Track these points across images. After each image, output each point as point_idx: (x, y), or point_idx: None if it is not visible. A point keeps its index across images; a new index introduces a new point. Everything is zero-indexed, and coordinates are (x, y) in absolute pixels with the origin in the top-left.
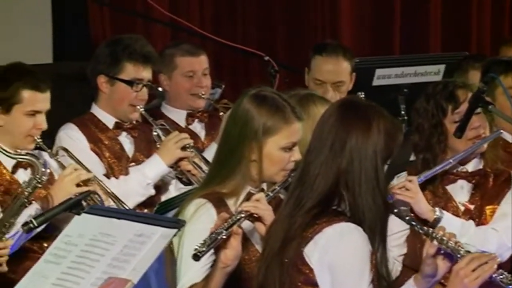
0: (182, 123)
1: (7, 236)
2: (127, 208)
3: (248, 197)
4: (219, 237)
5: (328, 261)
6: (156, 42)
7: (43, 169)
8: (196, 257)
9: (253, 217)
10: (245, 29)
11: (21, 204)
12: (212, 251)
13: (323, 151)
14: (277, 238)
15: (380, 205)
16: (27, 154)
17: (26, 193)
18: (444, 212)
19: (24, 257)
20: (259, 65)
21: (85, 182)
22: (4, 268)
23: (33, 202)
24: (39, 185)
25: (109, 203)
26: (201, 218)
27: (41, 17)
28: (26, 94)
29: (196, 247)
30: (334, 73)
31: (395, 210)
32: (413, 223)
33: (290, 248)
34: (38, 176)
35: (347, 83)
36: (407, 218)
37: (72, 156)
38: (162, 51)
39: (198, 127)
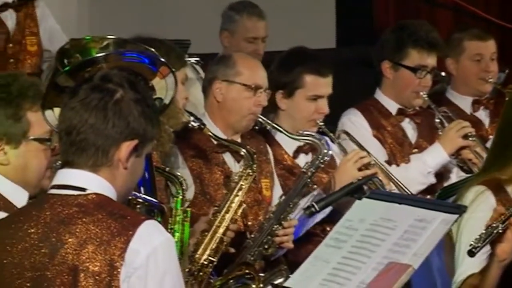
0: (468, 110)
1: (291, 216)
2: (409, 193)
3: None
4: (495, 231)
5: None
6: (440, 27)
7: (325, 150)
8: (471, 253)
9: None
10: None
11: (304, 184)
12: None
13: None
14: None
15: None
16: (309, 135)
17: (309, 173)
18: None
19: (306, 240)
20: None
21: (367, 167)
22: (291, 245)
23: (315, 187)
24: (322, 165)
25: (390, 188)
26: (480, 206)
27: (326, 3)
28: (309, 78)
29: (472, 242)
30: None
31: None
32: None
33: None
34: (320, 156)
35: None
36: None
37: (353, 140)
38: (451, 35)
39: (483, 115)
